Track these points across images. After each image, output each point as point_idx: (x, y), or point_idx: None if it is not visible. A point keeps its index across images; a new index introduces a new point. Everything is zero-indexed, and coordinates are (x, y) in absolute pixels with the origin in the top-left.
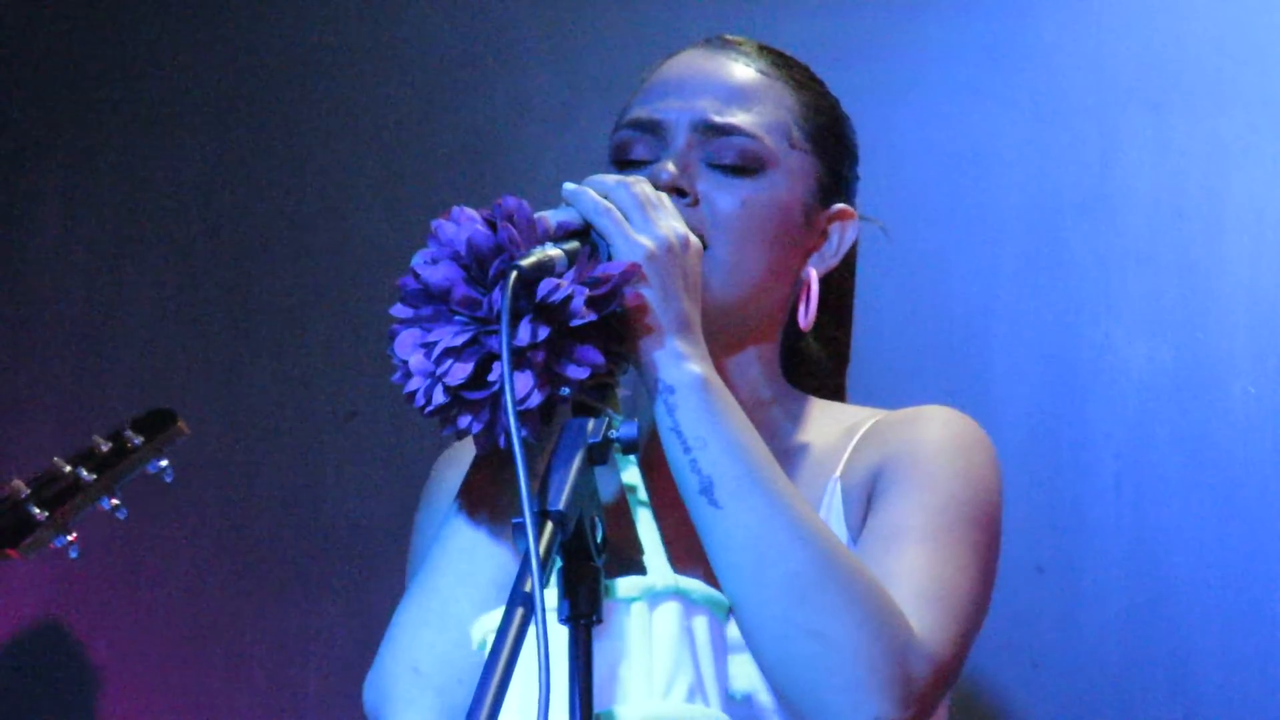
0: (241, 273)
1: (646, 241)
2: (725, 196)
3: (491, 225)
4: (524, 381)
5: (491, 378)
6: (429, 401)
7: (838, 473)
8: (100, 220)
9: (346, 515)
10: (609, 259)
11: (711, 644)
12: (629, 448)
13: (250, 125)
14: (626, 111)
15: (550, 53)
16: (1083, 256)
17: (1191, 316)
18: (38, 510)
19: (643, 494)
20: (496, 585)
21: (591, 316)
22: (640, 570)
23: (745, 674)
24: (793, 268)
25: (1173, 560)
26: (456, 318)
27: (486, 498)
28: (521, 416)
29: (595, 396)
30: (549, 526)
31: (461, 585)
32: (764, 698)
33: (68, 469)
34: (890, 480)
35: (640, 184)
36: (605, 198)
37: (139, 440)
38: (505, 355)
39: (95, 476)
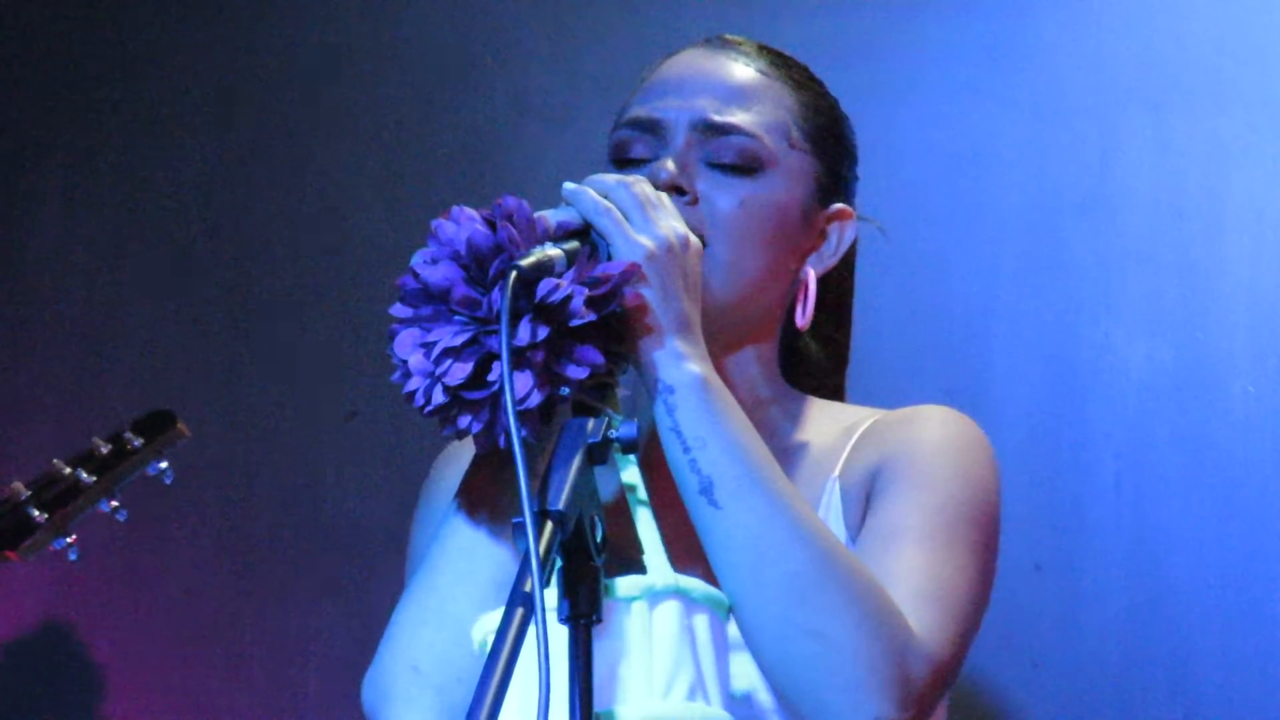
0: (241, 273)
1: (646, 241)
2: (724, 196)
3: (491, 225)
4: (523, 381)
5: (491, 377)
6: (428, 401)
7: (836, 472)
8: (100, 220)
9: (346, 515)
10: (609, 259)
11: (713, 643)
12: (629, 447)
13: (250, 125)
14: (625, 110)
15: (550, 53)
16: (1082, 256)
17: (1191, 316)
18: (37, 512)
19: (642, 493)
20: (495, 584)
21: (591, 316)
22: (640, 569)
23: (745, 673)
24: (791, 267)
25: (1173, 560)
26: (456, 317)
27: (486, 497)
28: (521, 416)
29: (595, 396)
30: (549, 526)
31: (460, 584)
32: (764, 697)
33: (67, 471)
34: (889, 480)
35: (640, 184)
36: (605, 197)
37: (139, 442)
38: (505, 355)
39: (95, 479)
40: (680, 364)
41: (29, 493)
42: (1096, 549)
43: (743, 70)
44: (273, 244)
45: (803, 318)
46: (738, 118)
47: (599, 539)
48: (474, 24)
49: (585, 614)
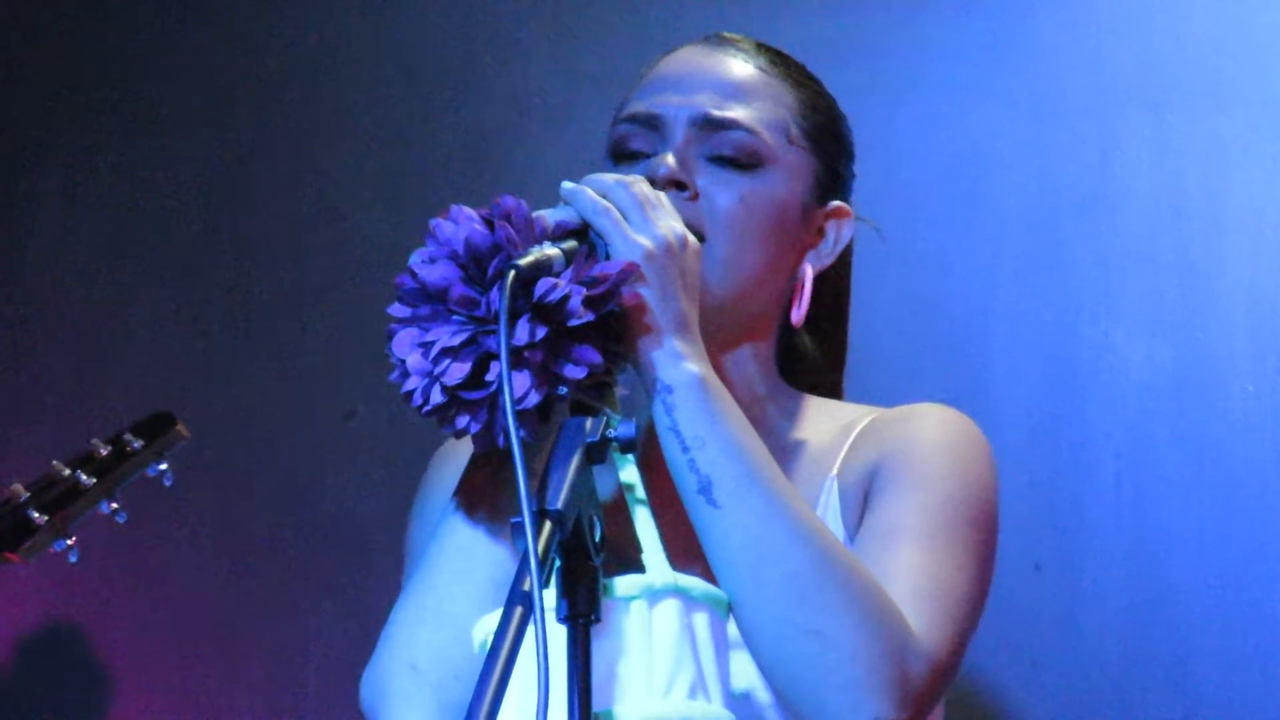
0: (241, 273)
1: (645, 241)
2: (724, 192)
3: (489, 224)
4: (522, 381)
5: (489, 377)
6: (427, 401)
7: (834, 470)
8: (100, 220)
9: (346, 515)
10: (607, 258)
11: (712, 641)
12: (627, 447)
13: (250, 125)
14: (624, 106)
15: (550, 53)
16: (1082, 256)
17: (1191, 316)
18: (37, 514)
19: (641, 492)
20: (494, 584)
21: (589, 316)
22: (639, 569)
23: (744, 671)
24: (789, 265)
25: (1172, 559)
26: (454, 317)
27: (484, 497)
28: (519, 416)
29: (593, 396)
30: (547, 525)
31: (459, 583)
32: (763, 695)
33: (67, 473)
34: (887, 479)
35: (639, 183)
36: (604, 197)
37: (139, 444)
38: (504, 355)
39: (95, 480)
40: (679, 363)
41: (29, 494)
42: (1096, 549)
43: (742, 67)
44: (272, 244)
45: (798, 314)
46: (738, 113)
47: (598, 538)
48: (474, 24)
49: (584, 613)
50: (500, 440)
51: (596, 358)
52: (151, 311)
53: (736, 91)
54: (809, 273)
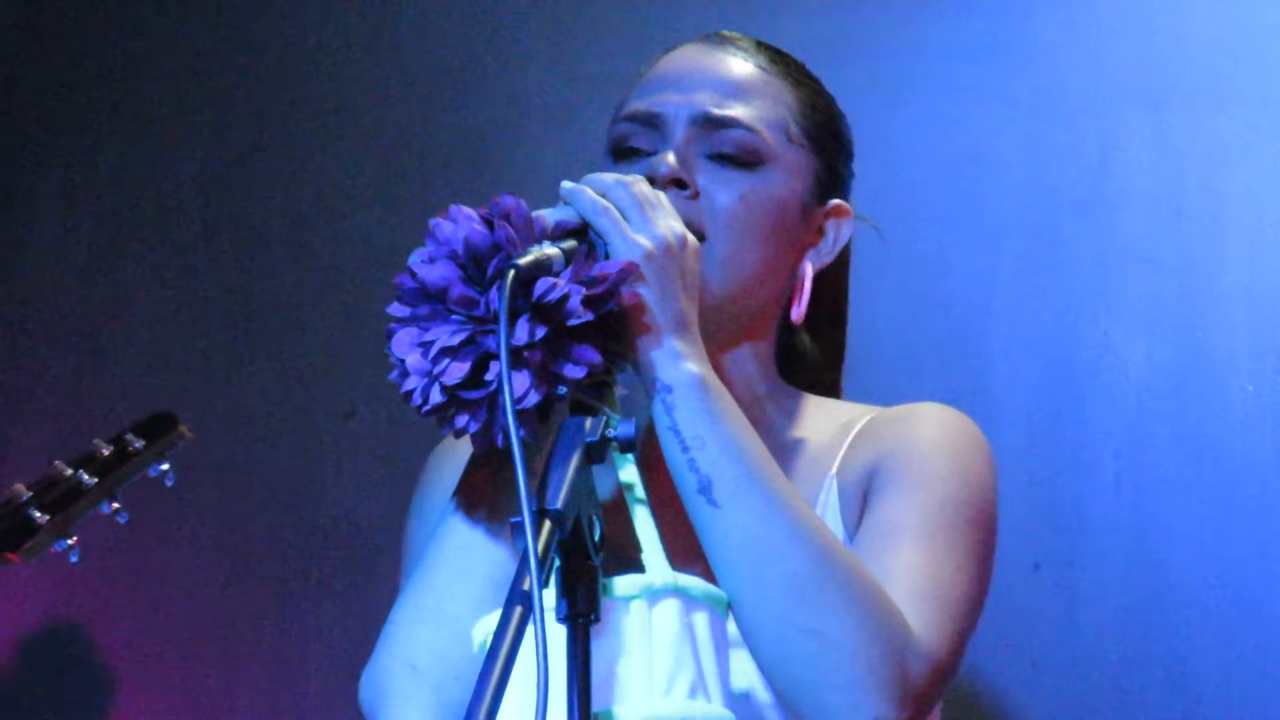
0: (241, 273)
1: (644, 241)
2: (724, 190)
3: (489, 224)
4: (521, 381)
5: (488, 377)
6: (426, 400)
7: (833, 469)
8: (100, 220)
9: (346, 515)
10: (607, 258)
11: (712, 640)
12: (626, 446)
13: (250, 125)
14: (624, 105)
15: (550, 53)
16: (1082, 256)
17: (1191, 315)
18: (38, 514)
19: (640, 492)
20: (493, 583)
21: (588, 316)
22: (639, 568)
23: (744, 670)
24: (789, 263)
25: (1172, 559)
26: (454, 317)
27: (484, 496)
28: (519, 416)
29: (592, 395)
30: (547, 525)
31: (458, 583)
32: (762, 694)
33: (69, 473)
34: (886, 478)
35: (639, 183)
36: (603, 196)
37: (140, 444)
38: (504, 355)
39: (96, 480)
40: (678, 363)
41: (30, 494)
42: (1096, 548)
43: (741, 66)
44: (272, 244)
45: (798, 312)
46: (738, 112)
47: (597, 538)
48: (474, 24)
49: (583, 613)
50: (499, 440)
51: (596, 357)
52: (151, 311)
53: (736, 90)
54: (809, 271)
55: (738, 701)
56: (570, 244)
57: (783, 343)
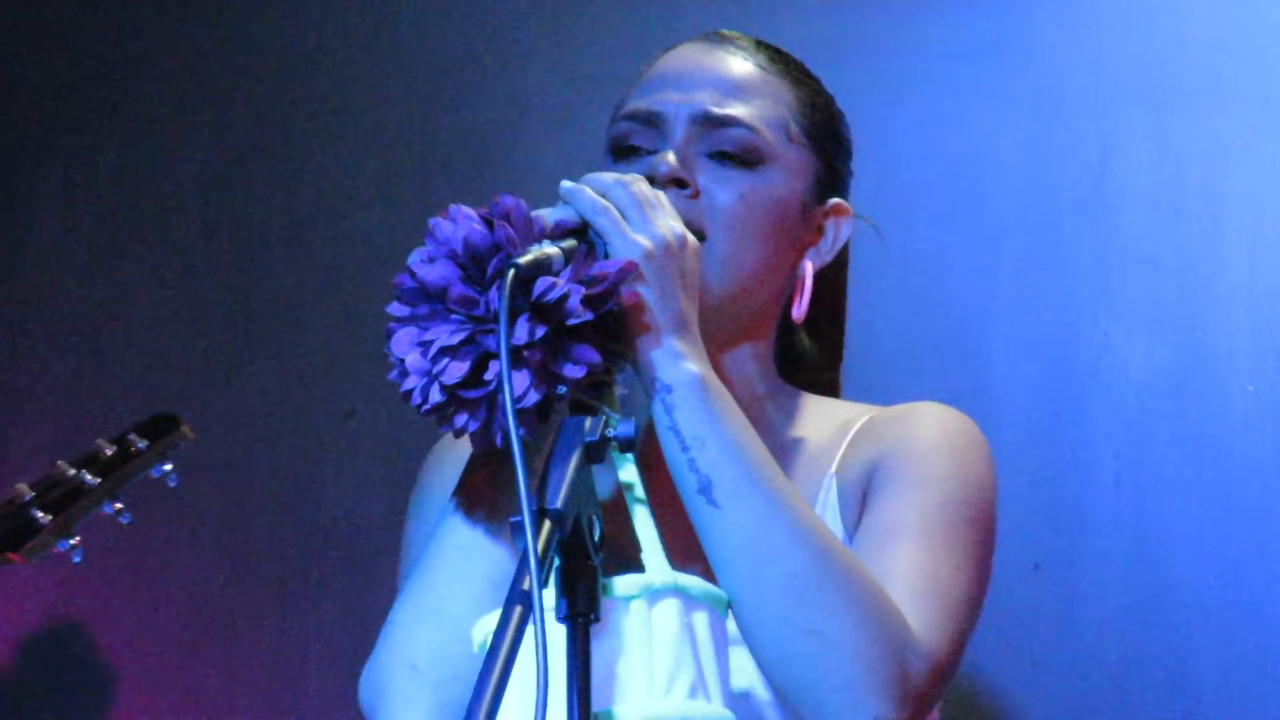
0: (241, 273)
1: (644, 240)
2: (725, 190)
3: (488, 224)
4: (520, 380)
5: (488, 376)
6: (426, 400)
7: (833, 468)
8: (100, 220)
9: (346, 515)
10: (606, 258)
11: (712, 640)
12: (626, 446)
13: (249, 125)
14: (624, 104)
15: (550, 53)
16: (1082, 255)
17: (1191, 315)
18: (41, 514)
19: (640, 491)
20: (492, 583)
21: (588, 315)
22: (638, 568)
23: (743, 668)
24: (789, 263)
25: (1172, 559)
26: (453, 316)
27: (483, 496)
28: (519, 415)
29: (592, 395)
30: (547, 525)
31: (458, 582)
32: (762, 693)
33: (71, 473)
34: (885, 478)
35: (638, 183)
36: (603, 196)
37: (143, 444)
38: (504, 354)
39: (99, 481)
40: (678, 363)
41: (32, 494)
42: (1096, 548)
43: (741, 65)
44: (272, 244)
45: (799, 311)
46: (738, 111)
47: (597, 538)
48: (474, 24)
49: (583, 613)
50: (499, 439)
51: (595, 357)
52: (151, 311)
53: (736, 89)
54: (809, 270)
55: (737, 701)
56: (570, 243)
57: (781, 342)
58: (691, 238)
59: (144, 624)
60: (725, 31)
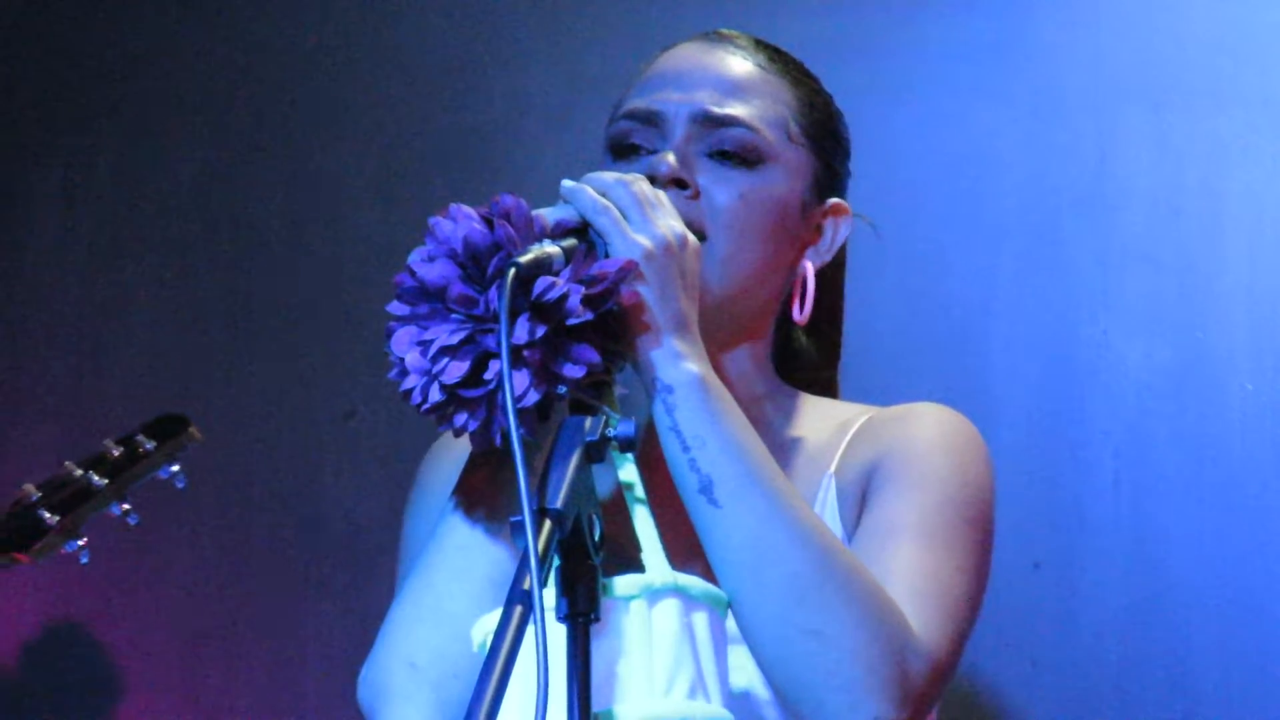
0: (241, 273)
1: (644, 240)
2: (725, 189)
3: (489, 223)
4: (520, 380)
5: (488, 375)
6: (425, 399)
7: (832, 469)
8: (100, 220)
9: (345, 515)
10: (606, 257)
11: (712, 640)
12: (626, 446)
13: (249, 125)
14: (623, 103)
15: (550, 53)
16: (1081, 255)
17: (1190, 315)
18: (48, 515)
19: (640, 491)
20: (492, 583)
21: (588, 315)
22: (639, 568)
23: (742, 668)
24: (789, 262)
25: (1171, 558)
26: (453, 315)
27: (483, 495)
28: (519, 415)
29: (592, 395)
30: (547, 524)
31: (457, 582)
32: (761, 693)
33: (78, 473)
34: (885, 478)
35: (639, 182)
36: (603, 195)
37: (151, 445)
38: (504, 354)
39: (106, 482)
40: (678, 363)
41: (39, 495)
42: (1095, 548)
43: (741, 64)
44: (272, 244)
45: (800, 312)
46: (737, 110)
47: (597, 537)
48: (474, 24)
49: (583, 612)
50: (498, 438)
51: (595, 357)
52: (151, 311)
53: (736, 88)
54: (809, 270)
55: (737, 700)
56: (570, 243)
57: (779, 342)
58: (692, 238)
59: (144, 624)
60: (725, 31)
